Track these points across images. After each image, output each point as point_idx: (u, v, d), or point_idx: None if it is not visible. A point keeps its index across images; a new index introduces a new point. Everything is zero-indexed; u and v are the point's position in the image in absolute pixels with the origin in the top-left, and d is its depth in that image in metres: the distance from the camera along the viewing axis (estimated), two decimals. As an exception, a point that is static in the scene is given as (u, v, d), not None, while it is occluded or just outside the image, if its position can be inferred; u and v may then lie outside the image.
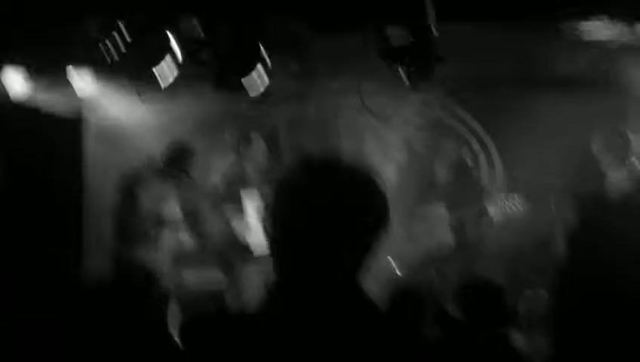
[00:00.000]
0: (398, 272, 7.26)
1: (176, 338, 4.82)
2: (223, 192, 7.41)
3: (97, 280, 4.61)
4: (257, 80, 6.14)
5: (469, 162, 7.90)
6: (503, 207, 7.27)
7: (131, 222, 7.10)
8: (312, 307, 1.97)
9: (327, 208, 1.98)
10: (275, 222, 2.04)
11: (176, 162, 7.33)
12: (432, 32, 5.41)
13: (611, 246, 2.01)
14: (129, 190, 7.17)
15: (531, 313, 5.12)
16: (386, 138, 8.77)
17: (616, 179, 7.27)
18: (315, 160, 2.11)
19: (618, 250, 1.96)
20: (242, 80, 5.95)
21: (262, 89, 6.50)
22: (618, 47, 6.97)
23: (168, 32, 5.94)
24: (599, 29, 6.68)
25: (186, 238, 7.75)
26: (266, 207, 2.08)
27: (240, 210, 7.32)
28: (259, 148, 7.48)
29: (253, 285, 7.08)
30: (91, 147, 8.05)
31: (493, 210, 7.32)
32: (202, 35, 5.72)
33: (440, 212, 7.46)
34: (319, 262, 1.98)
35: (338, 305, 1.97)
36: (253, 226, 7.29)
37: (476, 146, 8.62)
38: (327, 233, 1.97)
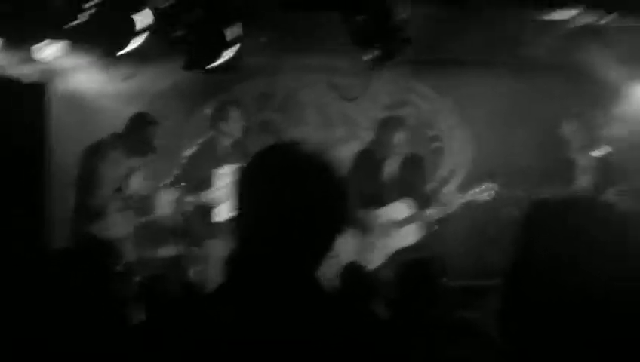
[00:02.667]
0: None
1: (136, 315, 4.84)
2: (195, 165, 7.38)
3: (57, 252, 4.60)
4: (227, 57, 6.13)
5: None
6: (474, 195, 7.05)
7: (92, 194, 7.08)
8: (266, 290, 2.01)
9: (288, 199, 2.02)
10: (239, 207, 2.08)
11: (138, 133, 7.26)
12: (399, 17, 5.44)
13: (575, 241, 2.05)
14: (91, 162, 7.15)
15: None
16: (353, 116, 8.81)
17: (585, 163, 7.35)
18: (280, 148, 2.15)
19: (582, 246, 2.01)
20: (212, 60, 5.94)
21: (230, 63, 6.49)
22: (582, 29, 7.03)
23: (139, 6, 5.91)
24: (564, 12, 6.74)
25: (149, 211, 7.76)
26: (233, 188, 2.12)
27: (210, 183, 7.32)
28: (236, 123, 7.45)
29: (219, 258, 7.09)
30: (57, 117, 8.00)
31: (459, 201, 7.11)
32: (172, 10, 5.70)
33: (405, 210, 7.23)
34: (276, 250, 2.03)
35: (292, 291, 2.02)
36: (221, 200, 7.31)
37: (443, 126, 8.70)
38: (285, 223, 2.02)
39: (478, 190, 7.01)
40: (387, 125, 7.28)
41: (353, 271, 5.25)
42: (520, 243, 2.16)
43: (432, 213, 7.12)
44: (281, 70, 8.69)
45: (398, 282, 4.76)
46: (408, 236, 7.15)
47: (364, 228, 7.13)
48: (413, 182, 7.23)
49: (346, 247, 7.17)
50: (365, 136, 8.90)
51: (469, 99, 8.55)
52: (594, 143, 7.33)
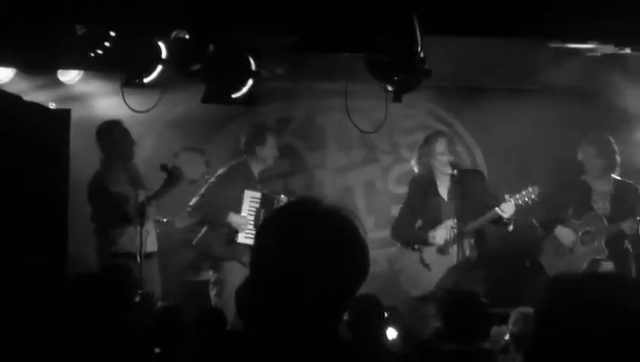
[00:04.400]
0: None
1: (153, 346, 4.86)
2: (221, 187, 7.43)
3: (76, 279, 4.63)
4: (245, 89, 6.16)
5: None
6: (521, 197, 6.86)
7: (111, 219, 7.13)
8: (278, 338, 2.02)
9: (309, 257, 2.02)
10: (259, 260, 2.09)
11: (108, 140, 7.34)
12: (419, 51, 5.44)
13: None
14: (94, 190, 7.22)
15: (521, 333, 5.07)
16: (372, 139, 8.81)
17: (602, 188, 7.34)
18: (303, 206, 2.17)
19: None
20: (230, 92, 5.97)
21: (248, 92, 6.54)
22: (602, 57, 7.01)
23: (158, 42, 5.95)
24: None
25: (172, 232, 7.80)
26: (255, 241, 2.14)
27: (238, 209, 7.37)
28: (271, 149, 7.52)
29: (238, 282, 7.10)
30: (76, 142, 8.05)
31: (505, 211, 6.88)
32: (191, 46, 5.73)
33: (453, 228, 7.10)
34: (294, 307, 2.03)
35: (310, 350, 2.03)
36: (245, 224, 7.35)
37: (462, 150, 8.67)
38: (305, 280, 2.02)
39: (524, 192, 6.88)
40: (428, 140, 7.28)
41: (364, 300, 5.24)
42: (541, 319, 2.16)
43: (475, 223, 7.03)
44: (299, 95, 8.73)
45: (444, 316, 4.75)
46: (460, 254, 7.05)
47: (420, 247, 7.14)
48: (465, 198, 7.12)
49: (403, 265, 7.20)
50: (384, 160, 8.92)
51: (488, 125, 8.54)
52: (611, 169, 7.31)
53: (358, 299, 5.09)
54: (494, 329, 5.02)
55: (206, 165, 8.23)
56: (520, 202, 6.86)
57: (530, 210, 7.06)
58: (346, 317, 5.05)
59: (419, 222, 7.29)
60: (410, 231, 7.25)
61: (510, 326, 5.02)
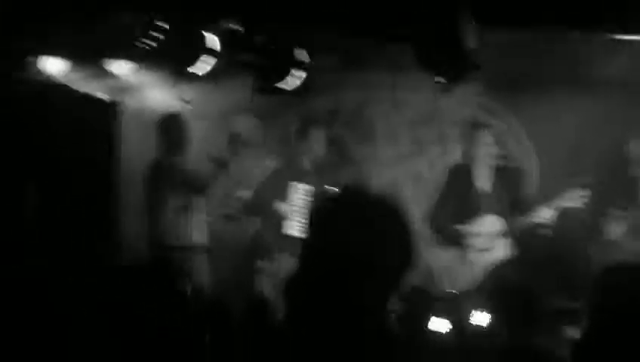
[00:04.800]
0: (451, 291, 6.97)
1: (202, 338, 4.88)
2: (275, 179, 7.48)
3: (131, 266, 4.65)
4: (295, 79, 6.18)
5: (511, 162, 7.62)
6: (567, 200, 6.82)
7: (162, 208, 7.19)
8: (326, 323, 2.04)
9: (355, 245, 2.04)
10: (310, 251, 2.11)
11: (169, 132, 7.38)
12: (469, 44, 5.41)
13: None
14: (150, 178, 7.28)
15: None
16: (420, 132, 8.76)
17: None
18: (349, 194, 2.18)
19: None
20: (281, 82, 6.00)
21: (299, 83, 6.56)
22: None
23: (206, 33, 5.99)
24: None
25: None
26: (305, 232, 2.16)
27: (286, 196, 7.41)
28: (317, 143, 7.53)
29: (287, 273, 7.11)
30: (126, 133, 8.13)
31: (548, 214, 6.89)
32: (242, 37, 5.76)
33: (493, 223, 7.11)
34: (342, 298, 2.04)
35: (359, 337, 2.03)
36: (294, 215, 7.38)
37: (512, 144, 8.60)
38: (354, 270, 2.03)
39: (569, 195, 6.84)
40: (474, 127, 7.26)
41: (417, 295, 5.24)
42: (594, 308, 2.15)
43: (527, 223, 7.00)
44: (348, 86, 8.71)
45: (494, 305, 4.73)
46: (501, 250, 7.06)
47: (457, 242, 7.11)
48: (508, 194, 7.13)
49: (440, 260, 7.18)
50: (432, 152, 8.87)
51: (539, 118, 8.45)
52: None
53: (410, 291, 5.11)
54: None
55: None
56: (566, 205, 6.83)
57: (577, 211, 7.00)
58: (396, 308, 5.06)
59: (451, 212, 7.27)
60: (445, 221, 7.22)
61: None
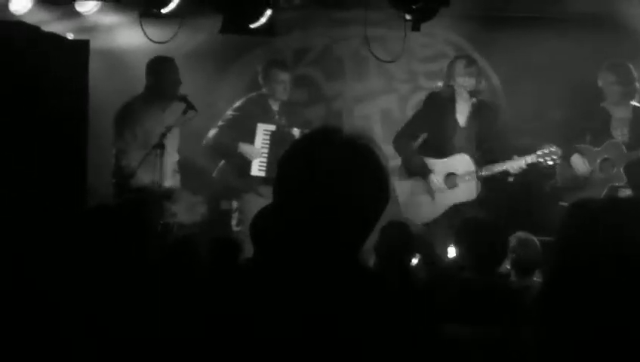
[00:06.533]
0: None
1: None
2: (239, 118, 7.48)
3: (100, 206, 4.66)
4: (263, 19, 6.15)
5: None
6: (539, 157, 6.90)
7: (130, 151, 7.16)
8: (298, 265, 2.04)
9: (331, 184, 2.04)
10: (282, 188, 2.11)
11: (159, 75, 7.30)
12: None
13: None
14: (127, 118, 7.24)
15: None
16: (390, 69, 8.76)
17: (621, 115, 7.29)
18: (324, 135, 2.16)
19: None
20: (248, 22, 5.96)
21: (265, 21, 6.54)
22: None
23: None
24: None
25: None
26: (278, 169, 2.14)
27: (252, 141, 7.42)
28: (280, 84, 7.51)
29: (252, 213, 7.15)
30: (94, 74, 8.05)
31: (524, 161, 6.96)
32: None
33: (468, 162, 7.18)
34: (317, 235, 2.04)
35: (333, 277, 2.04)
36: (258, 156, 7.40)
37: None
38: (327, 209, 2.04)
39: (540, 153, 6.92)
40: (455, 61, 7.29)
41: (395, 227, 5.26)
42: (562, 245, 2.18)
43: (495, 168, 7.07)
44: (317, 24, 8.68)
45: (457, 240, 4.77)
46: (469, 190, 7.13)
47: (425, 176, 7.18)
48: (481, 132, 7.20)
49: (404, 191, 7.23)
50: (402, 89, 8.89)
51: (506, 53, 8.46)
52: (630, 95, 7.26)
53: (388, 226, 5.14)
54: None
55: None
56: (537, 161, 6.92)
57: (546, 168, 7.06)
58: (374, 243, 5.11)
59: (419, 139, 7.30)
60: (411, 147, 7.29)
61: (509, 253, 5.01)
